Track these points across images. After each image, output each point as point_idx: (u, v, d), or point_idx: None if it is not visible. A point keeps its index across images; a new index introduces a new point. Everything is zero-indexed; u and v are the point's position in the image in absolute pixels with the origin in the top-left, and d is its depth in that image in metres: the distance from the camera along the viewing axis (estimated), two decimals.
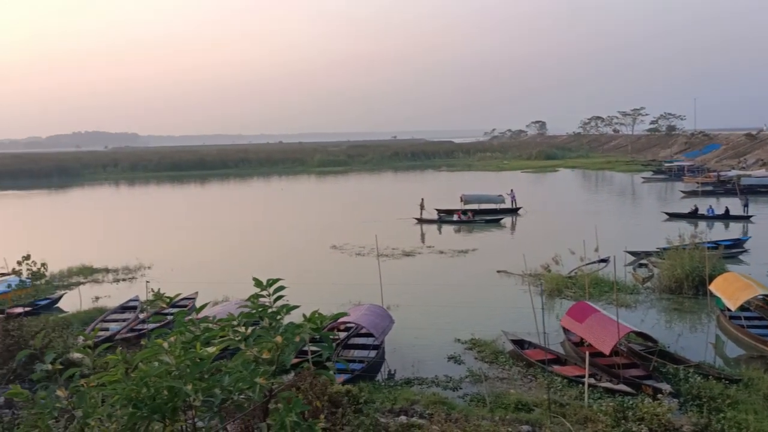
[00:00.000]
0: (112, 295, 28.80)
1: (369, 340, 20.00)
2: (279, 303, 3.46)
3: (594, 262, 30.42)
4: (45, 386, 3.31)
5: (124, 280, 32.11)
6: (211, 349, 3.29)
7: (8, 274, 27.31)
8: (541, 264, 29.85)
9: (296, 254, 36.99)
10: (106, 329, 22.74)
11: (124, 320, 23.96)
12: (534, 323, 20.70)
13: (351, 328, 21.31)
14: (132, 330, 22.45)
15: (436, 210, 51.71)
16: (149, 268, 34.21)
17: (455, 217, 49.46)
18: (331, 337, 3.49)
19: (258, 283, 3.49)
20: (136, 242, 42.83)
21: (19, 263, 24.72)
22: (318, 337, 3.41)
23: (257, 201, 73.77)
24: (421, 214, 50.13)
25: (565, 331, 20.78)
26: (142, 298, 26.22)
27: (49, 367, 3.32)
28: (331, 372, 3.49)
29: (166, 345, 3.24)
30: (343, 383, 14.11)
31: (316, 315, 3.33)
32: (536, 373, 18.17)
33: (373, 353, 19.34)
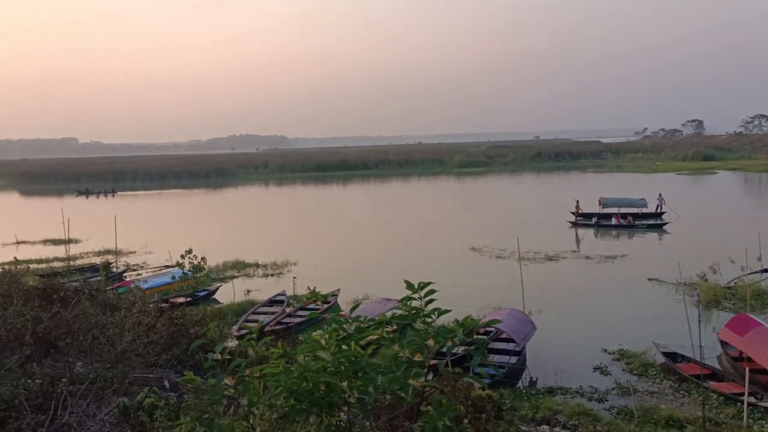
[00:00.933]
0: (261, 288, 30.37)
1: (510, 346, 19.66)
2: (430, 306, 3.49)
3: (756, 272, 27.98)
4: (215, 374, 3.56)
5: (272, 275, 33.78)
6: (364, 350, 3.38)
7: (172, 267, 29.70)
8: (697, 273, 27.94)
9: (434, 255, 37.14)
10: (256, 321, 24.01)
11: (272, 313, 25.19)
12: (688, 335, 19.36)
13: (491, 332, 21.08)
14: (279, 323, 23.55)
15: (573, 213, 49.93)
16: (295, 264, 35.72)
17: (613, 221, 47.04)
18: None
19: (410, 285, 3.54)
20: (283, 239, 44.94)
21: (182, 257, 26.84)
22: (469, 341, 3.40)
23: (396, 201, 74.94)
24: (576, 216, 48.50)
25: (723, 344, 19.27)
26: (289, 292, 27.52)
27: (219, 356, 3.57)
28: (483, 378, 3.47)
29: (323, 342, 3.37)
30: (483, 388, 13.99)
31: (469, 320, 3.33)
32: (690, 389, 17.03)
33: (513, 359, 18.99)
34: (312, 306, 25.95)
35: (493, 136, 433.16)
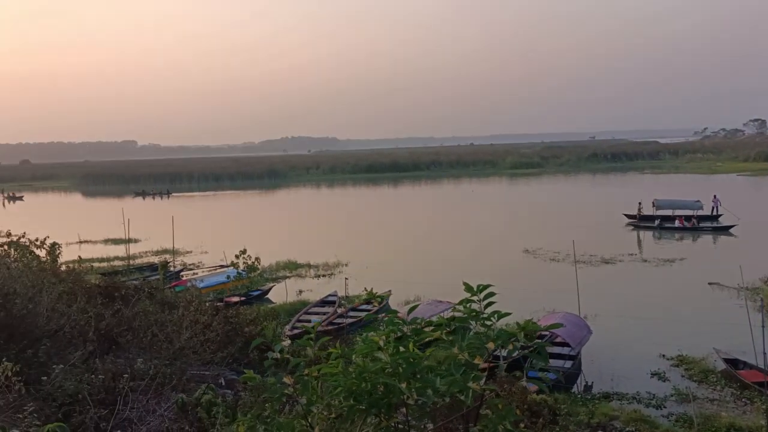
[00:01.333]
0: (313, 289, 30.65)
1: (565, 350, 19.34)
2: (489, 309, 3.45)
3: None
4: (274, 373, 3.60)
5: (324, 275, 34.07)
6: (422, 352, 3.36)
7: (227, 266, 30.26)
8: (760, 277, 26.97)
9: (487, 257, 36.84)
10: (308, 321, 24.24)
11: (324, 313, 25.40)
12: (750, 341, 18.63)
13: (545, 336, 20.76)
14: (331, 323, 23.73)
15: (628, 215, 48.74)
16: (346, 265, 35.93)
17: (677, 223, 45.66)
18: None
19: (468, 288, 3.50)
20: (334, 240, 45.27)
21: (236, 257, 27.34)
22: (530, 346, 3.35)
23: (447, 202, 74.65)
24: (638, 218, 47.36)
25: None
26: (340, 293, 27.72)
27: (278, 356, 3.60)
28: (544, 383, 3.40)
29: (381, 342, 3.37)
30: (538, 393, 13.80)
31: (530, 324, 3.27)
32: (752, 397, 16.46)
33: (568, 364, 18.67)
34: (364, 307, 26.08)
35: (547, 137, 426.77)
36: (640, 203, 48.37)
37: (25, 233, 15.37)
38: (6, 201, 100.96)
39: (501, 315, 3.38)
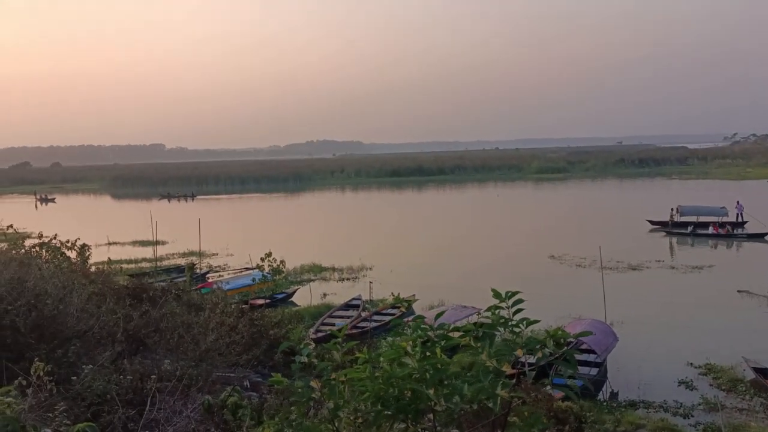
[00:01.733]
0: (337, 292, 30.67)
1: (590, 357, 19.13)
2: (518, 316, 3.43)
3: None
4: (301, 376, 3.61)
5: (348, 279, 34.11)
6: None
7: (253, 269, 30.47)
8: None
9: (512, 262, 36.60)
10: (332, 325, 24.29)
11: (348, 317, 25.40)
12: None
13: (570, 342, 20.56)
14: (355, 327, 23.73)
15: (649, 221, 48.07)
16: (370, 269, 35.93)
17: (710, 230, 44.80)
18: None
19: (497, 294, 3.49)
20: (359, 244, 45.34)
21: (262, 259, 27.56)
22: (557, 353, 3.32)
23: (472, 207, 74.38)
24: (670, 224, 46.73)
25: None
26: (365, 297, 27.73)
27: (305, 359, 3.62)
28: (572, 390, 3.37)
29: (408, 348, 3.37)
30: (563, 400, 13.67)
31: (559, 331, 3.25)
32: None
33: (594, 371, 18.46)
34: (388, 311, 26.05)
35: (573, 141, 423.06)
36: (672, 209, 47.62)
37: (56, 235, 15.65)
38: (39, 203, 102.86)
39: (530, 322, 3.37)
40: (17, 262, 11.59)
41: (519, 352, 3.22)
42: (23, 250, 13.84)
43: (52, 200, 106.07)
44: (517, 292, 3.47)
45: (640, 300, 26.56)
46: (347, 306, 27.05)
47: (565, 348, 3.33)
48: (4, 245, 13.78)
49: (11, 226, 15.68)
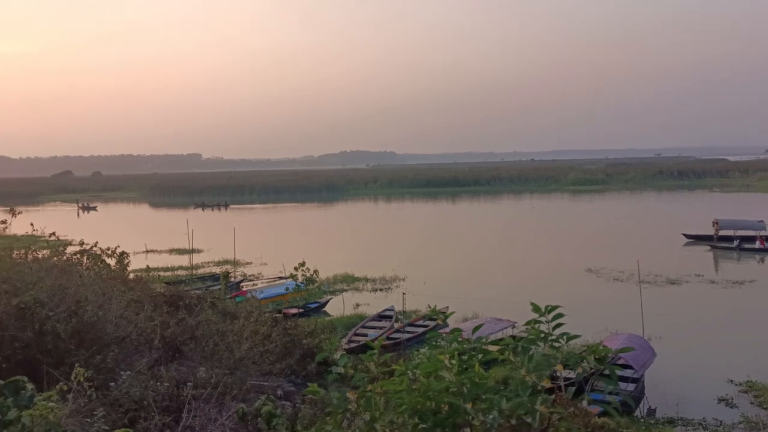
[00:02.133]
0: (370, 303, 30.67)
1: (627, 372, 18.77)
2: (558, 330, 3.37)
3: None
4: (338, 387, 3.60)
5: (381, 289, 34.10)
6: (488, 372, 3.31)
7: (286, 278, 30.66)
8: None
9: (547, 275, 36.18)
10: (365, 335, 24.28)
11: (380, 328, 25.36)
12: None
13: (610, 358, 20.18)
14: (388, 338, 23.68)
15: (684, 235, 47.03)
16: (403, 280, 35.87)
17: (757, 244, 43.68)
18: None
19: (536, 308, 3.44)
20: (392, 254, 45.30)
21: (295, 269, 27.69)
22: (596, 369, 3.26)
23: (508, 218, 73.84)
24: (715, 238, 45.69)
25: None
26: (398, 308, 27.66)
27: (342, 370, 3.61)
28: (612, 406, 3.29)
29: (446, 361, 3.33)
30: (600, 415, 13.41)
31: (600, 347, 3.19)
32: None
33: (631, 386, 18.10)
34: (421, 322, 25.94)
35: (611, 153, 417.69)
36: (714, 223, 46.51)
37: (96, 242, 15.97)
38: (81, 211, 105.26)
39: (570, 337, 3.31)
40: (59, 269, 11.85)
41: (559, 367, 3.17)
42: (65, 257, 14.14)
43: (94, 208, 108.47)
44: (556, 306, 3.42)
45: (678, 315, 26.01)
46: (380, 317, 27.01)
47: (608, 364, 3.26)
48: (46, 252, 14.10)
49: (53, 233, 16.03)
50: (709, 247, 44.50)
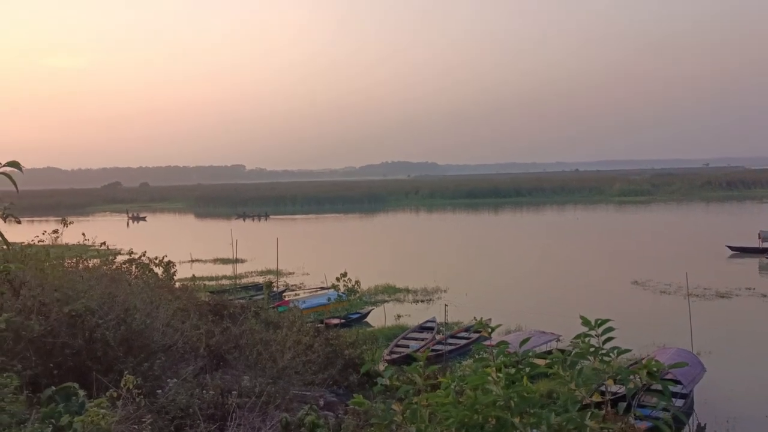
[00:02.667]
0: (411, 314, 30.54)
1: (676, 388, 18.27)
2: (608, 344, 3.31)
3: None
4: (383, 399, 3.59)
5: (422, 301, 33.95)
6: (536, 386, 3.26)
7: (328, 288, 30.80)
8: None
9: (592, 287, 35.55)
10: (406, 346, 24.18)
11: (422, 339, 25.23)
12: None
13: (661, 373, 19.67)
14: (430, 350, 23.55)
15: (728, 247, 45.61)
16: (445, 291, 35.65)
17: None
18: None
19: (586, 322, 3.38)
20: (433, 265, 45.07)
21: (337, 279, 27.82)
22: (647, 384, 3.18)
23: (551, 230, 72.88)
24: (760, 249, 44.29)
25: None
26: (439, 319, 27.50)
27: (387, 382, 3.60)
28: (664, 422, 3.20)
29: (494, 375, 3.30)
30: (646, 431, 13.09)
31: (652, 362, 3.11)
32: None
33: (679, 402, 17.61)
34: (463, 334, 25.74)
35: (658, 163, 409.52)
36: (760, 234, 45.11)
37: (145, 252, 16.34)
38: (131, 221, 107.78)
39: (621, 351, 3.24)
40: (108, 278, 12.12)
41: (609, 382, 3.10)
42: (114, 266, 14.48)
43: (143, 219, 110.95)
44: (607, 320, 3.35)
45: (728, 329, 25.26)
46: (421, 328, 26.88)
47: (662, 380, 3.18)
48: (96, 261, 14.48)
49: (104, 243, 16.47)
50: (766, 258, 43.05)
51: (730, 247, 46.06)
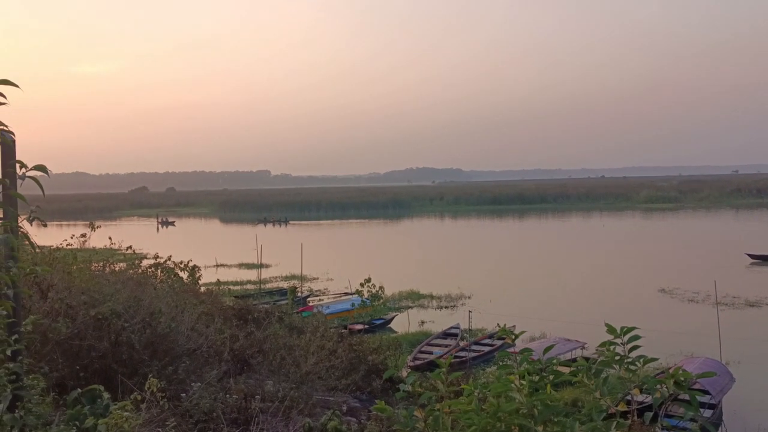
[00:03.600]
0: (435, 320, 30.43)
1: (704, 398, 17.93)
2: (634, 353, 3.25)
3: None
4: (406, 406, 3.57)
5: (446, 307, 33.82)
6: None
7: (352, 294, 30.82)
8: None
9: (619, 295, 35.12)
10: (430, 353, 24.10)
11: (446, 346, 25.13)
12: None
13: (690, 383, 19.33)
14: (454, 357, 23.42)
15: (748, 255, 44.71)
16: (469, 297, 35.47)
17: None
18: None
19: (611, 329, 3.32)
20: (458, 272, 44.92)
21: (361, 285, 27.86)
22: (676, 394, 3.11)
23: (576, 237, 72.24)
24: None
25: None
26: (463, 326, 27.36)
27: (410, 388, 3.57)
28: None
29: (517, 382, 3.26)
30: None
31: (680, 371, 3.05)
32: None
33: (708, 413, 17.28)
34: (486, 341, 25.58)
35: (685, 170, 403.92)
36: None
37: (170, 256, 16.50)
38: (160, 225, 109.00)
39: (647, 360, 3.18)
40: (134, 282, 12.24)
41: (635, 391, 3.05)
42: (140, 270, 14.64)
43: (172, 223, 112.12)
44: (633, 328, 3.30)
45: (759, 339, 24.73)
46: (445, 334, 26.78)
47: (690, 389, 3.12)
48: (123, 265, 14.65)
49: (130, 246, 16.67)
50: None
51: (750, 255, 45.26)
